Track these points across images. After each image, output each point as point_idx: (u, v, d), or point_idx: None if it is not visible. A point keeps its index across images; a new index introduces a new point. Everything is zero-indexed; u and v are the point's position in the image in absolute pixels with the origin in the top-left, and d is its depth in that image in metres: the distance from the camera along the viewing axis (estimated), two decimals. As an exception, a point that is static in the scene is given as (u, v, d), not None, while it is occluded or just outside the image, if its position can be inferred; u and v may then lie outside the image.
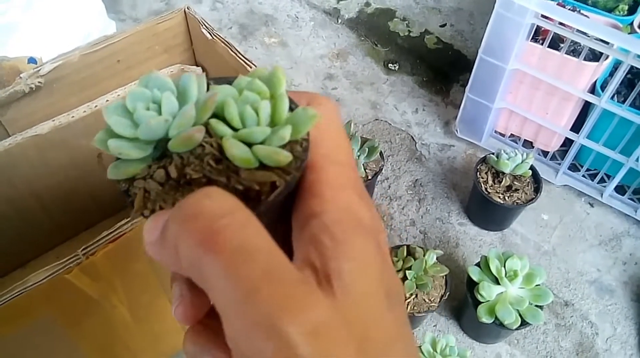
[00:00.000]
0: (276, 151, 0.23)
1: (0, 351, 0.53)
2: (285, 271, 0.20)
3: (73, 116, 0.74)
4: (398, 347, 0.22)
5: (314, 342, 0.19)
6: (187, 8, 0.75)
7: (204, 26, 0.74)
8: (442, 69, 1.33)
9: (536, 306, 0.82)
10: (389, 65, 1.34)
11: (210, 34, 0.73)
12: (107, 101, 0.76)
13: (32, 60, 0.72)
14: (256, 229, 0.21)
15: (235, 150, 0.23)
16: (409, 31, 1.42)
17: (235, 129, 0.24)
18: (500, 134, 1.16)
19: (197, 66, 0.83)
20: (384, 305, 0.22)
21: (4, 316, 0.50)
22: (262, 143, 0.23)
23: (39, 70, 0.68)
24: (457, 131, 1.17)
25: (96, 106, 0.76)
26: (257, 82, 0.24)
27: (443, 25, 1.44)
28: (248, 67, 0.69)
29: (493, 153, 0.99)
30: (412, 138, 1.19)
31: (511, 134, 1.16)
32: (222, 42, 0.72)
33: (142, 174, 0.24)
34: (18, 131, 0.72)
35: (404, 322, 0.23)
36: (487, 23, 0.95)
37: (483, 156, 1.01)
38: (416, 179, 1.12)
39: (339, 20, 1.44)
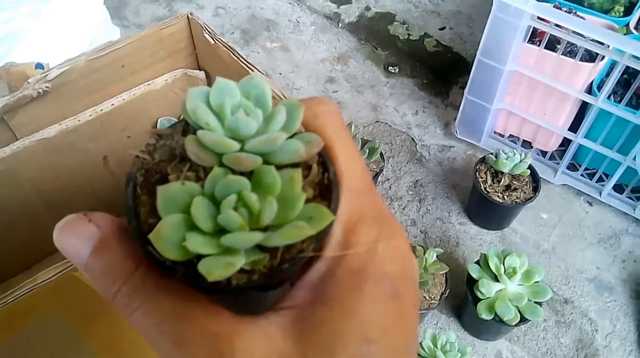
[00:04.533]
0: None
1: (11, 347, 0.54)
2: (197, 332, 0.20)
3: (79, 120, 0.76)
4: None
5: None
6: (190, 14, 0.77)
7: (206, 31, 0.75)
8: (442, 71, 1.35)
9: (535, 303, 0.83)
10: (389, 68, 1.35)
11: (213, 39, 0.75)
12: (112, 104, 0.78)
13: (39, 66, 0.74)
14: (171, 297, 0.21)
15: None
16: (409, 34, 1.44)
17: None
18: (500, 134, 1.18)
19: (200, 70, 0.84)
20: (353, 353, 0.20)
21: (15, 312, 0.51)
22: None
23: (46, 75, 0.70)
24: (456, 132, 1.18)
25: (102, 110, 0.77)
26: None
27: (442, 29, 1.45)
28: (250, 71, 0.71)
29: (492, 153, 1.00)
30: (413, 139, 1.20)
31: (510, 134, 1.17)
32: (225, 46, 0.74)
33: (171, 132, 0.24)
34: (26, 135, 0.74)
35: None
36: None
37: (482, 156, 1.02)
38: (417, 180, 1.13)
39: (340, 25, 1.46)
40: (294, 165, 0.22)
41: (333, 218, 0.21)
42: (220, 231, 0.20)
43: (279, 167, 0.21)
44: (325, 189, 0.22)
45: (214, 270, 0.19)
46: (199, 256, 0.20)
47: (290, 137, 0.22)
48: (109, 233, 0.22)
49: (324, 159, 0.23)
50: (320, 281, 0.21)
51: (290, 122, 0.22)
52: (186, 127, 0.24)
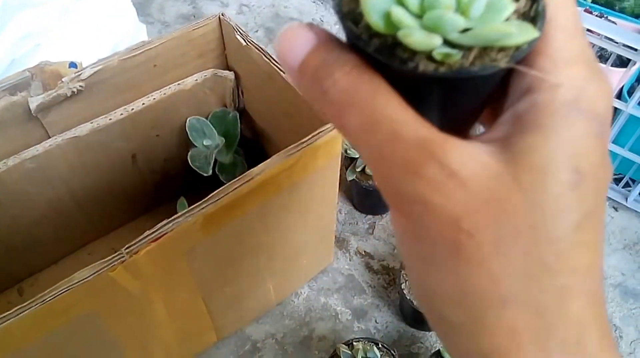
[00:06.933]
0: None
1: (47, 344, 0.55)
2: (410, 134, 0.21)
3: (110, 119, 0.77)
4: (575, 238, 0.21)
5: (440, 187, 0.20)
6: (222, 15, 0.77)
7: (238, 32, 0.76)
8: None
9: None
10: (413, 68, 1.35)
11: (245, 40, 0.75)
12: (143, 104, 0.79)
13: (72, 65, 0.75)
14: (384, 99, 0.21)
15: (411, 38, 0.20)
16: (433, 35, 1.43)
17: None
18: (525, 138, 1.17)
19: (230, 70, 0.85)
20: (564, 180, 0.20)
21: (52, 310, 0.52)
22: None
23: (80, 74, 0.70)
24: (481, 134, 1.17)
25: (133, 109, 0.78)
26: None
27: (467, 29, 1.44)
28: (282, 73, 0.71)
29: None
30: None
31: (535, 138, 1.16)
32: (256, 48, 0.74)
33: None
34: (58, 133, 0.75)
35: (590, 206, 0.21)
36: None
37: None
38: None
39: (364, 24, 1.46)
40: None
41: (537, 35, 0.21)
42: (427, 9, 0.21)
43: None
44: (530, 22, 0.22)
45: (414, 36, 0.19)
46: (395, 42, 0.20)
47: None
48: (324, 38, 0.23)
49: None
50: (529, 111, 0.21)
51: None
52: None
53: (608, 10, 1.04)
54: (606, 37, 0.89)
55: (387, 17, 0.20)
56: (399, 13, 0.20)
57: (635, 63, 0.92)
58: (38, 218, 0.81)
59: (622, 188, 1.08)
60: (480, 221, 0.20)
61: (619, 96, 0.98)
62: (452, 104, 0.24)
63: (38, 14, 1.04)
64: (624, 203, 1.08)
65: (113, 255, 0.53)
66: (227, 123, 0.86)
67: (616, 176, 1.10)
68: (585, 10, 0.99)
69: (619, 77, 0.95)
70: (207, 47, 0.81)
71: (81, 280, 0.52)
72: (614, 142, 1.01)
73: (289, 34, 0.23)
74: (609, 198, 1.09)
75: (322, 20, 1.46)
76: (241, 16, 1.48)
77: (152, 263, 0.57)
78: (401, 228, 0.23)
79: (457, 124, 0.26)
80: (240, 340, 0.86)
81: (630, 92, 0.96)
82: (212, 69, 0.83)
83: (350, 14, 0.23)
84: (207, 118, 0.86)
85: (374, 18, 0.20)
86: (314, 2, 1.51)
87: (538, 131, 0.21)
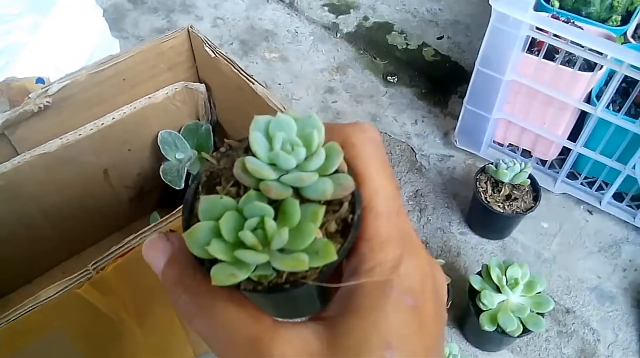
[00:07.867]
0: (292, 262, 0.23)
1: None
2: (241, 336, 0.23)
3: (80, 134, 0.76)
4: None
5: None
6: (191, 27, 0.77)
7: (207, 44, 0.76)
8: (440, 80, 1.35)
9: (537, 313, 0.83)
10: (388, 78, 1.36)
11: (213, 52, 0.75)
12: (113, 118, 0.78)
13: (40, 80, 0.74)
14: (220, 307, 0.24)
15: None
16: (407, 44, 1.44)
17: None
18: (499, 144, 1.18)
19: (200, 83, 0.84)
20: (378, 349, 0.23)
21: (18, 330, 0.51)
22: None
23: (47, 90, 0.70)
24: (456, 141, 1.18)
25: (102, 124, 0.77)
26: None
27: (440, 38, 1.46)
28: (250, 84, 0.71)
29: (492, 163, 1.00)
30: (412, 149, 1.20)
31: (509, 143, 1.17)
32: (225, 59, 0.74)
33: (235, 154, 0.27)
34: (27, 150, 0.74)
35: None
36: (484, 35, 0.97)
37: (482, 165, 1.02)
38: (417, 190, 1.13)
39: (338, 35, 1.47)
40: (328, 201, 0.24)
41: (335, 259, 0.23)
42: (240, 243, 0.24)
43: (312, 200, 0.24)
44: (348, 229, 0.25)
45: (219, 275, 0.23)
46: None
47: (334, 173, 0.25)
48: (178, 249, 0.26)
49: (355, 201, 0.25)
50: (351, 293, 0.24)
51: (328, 164, 0.25)
52: (249, 145, 0.26)
53: (575, 15, 1.06)
54: (573, 42, 0.91)
55: (207, 249, 0.23)
56: (214, 249, 0.23)
57: (602, 67, 0.94)
58: (9, 236, 0.80)
59: (596, 191, 1.10)
60: None
61: (588, 99, 1.00)
62: (287, 302, 0.27)
63: (8, 30, 1.03)
64: (598, 206, 1.09)
65: (79, 272, 0.53)
66: (200, 136, 0.86)
67: (589, 180, 1.11)
68: (552, 16, 1.01)
69: (587, 81, 0.97)
70: (178, 60, 0.81)
71: (47, 298, 0.52)
72: (585, 146, 1.03)
73: (150, 245, 0.26)
74: (584, 202, 1.11)
75: (296, 32, 1.47)
76: (216, 29, 1.48)
77: (121, 279, 0.56)
78: None
79: (300, 310, 0.29)
80: (217, 355, 0.85)
81: (599, 96, 0.97)
82: (182, 82, 0.82)
83: None
84: (179, 131, 0.86)
85: (195, 251, 0.24)
86: (288, 14, 1.52)
87: (355, 313, 0.23)
